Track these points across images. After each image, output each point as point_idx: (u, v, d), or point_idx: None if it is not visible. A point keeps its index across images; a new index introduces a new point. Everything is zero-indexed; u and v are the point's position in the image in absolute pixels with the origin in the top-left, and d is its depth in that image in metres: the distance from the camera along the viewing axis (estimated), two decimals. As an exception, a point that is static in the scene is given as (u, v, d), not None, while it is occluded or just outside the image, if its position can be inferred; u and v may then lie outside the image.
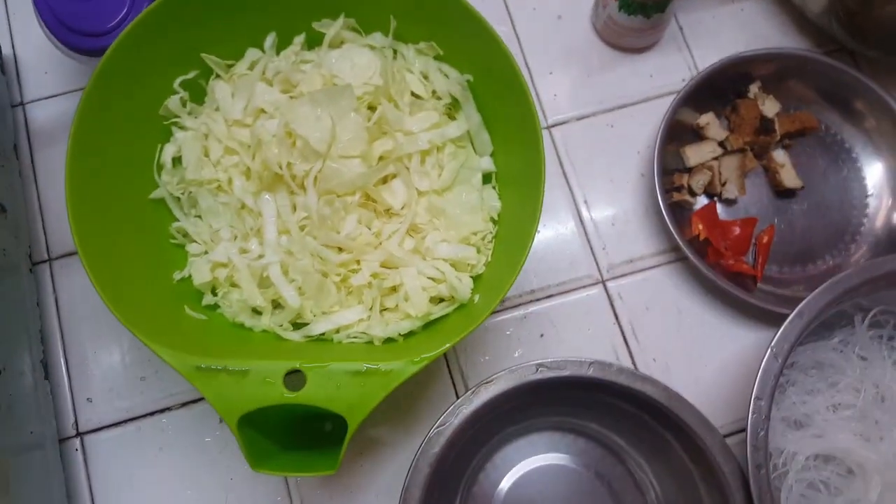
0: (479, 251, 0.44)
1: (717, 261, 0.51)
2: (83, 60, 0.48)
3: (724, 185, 0.53)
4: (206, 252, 0.45)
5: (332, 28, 0.46)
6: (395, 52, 0.46)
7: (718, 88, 0.54)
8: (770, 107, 0.54)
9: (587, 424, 0.47)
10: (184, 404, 0.49)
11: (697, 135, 0.55)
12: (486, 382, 0.42)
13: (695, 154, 0.53)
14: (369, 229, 0.44)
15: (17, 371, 0.45)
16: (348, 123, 0.43)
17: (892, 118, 0.53)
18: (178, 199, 0.46)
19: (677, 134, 0.54)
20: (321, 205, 0.43)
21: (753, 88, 0.55)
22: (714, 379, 0.51)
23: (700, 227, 0.51)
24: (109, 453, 0.48)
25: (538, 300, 0.52)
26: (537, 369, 0.42)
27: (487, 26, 0.41)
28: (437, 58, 0.46)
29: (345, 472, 0.48)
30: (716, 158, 0.53)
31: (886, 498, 0.45)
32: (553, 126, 0.56)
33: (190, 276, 0.44)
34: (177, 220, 0.46)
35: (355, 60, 0.45)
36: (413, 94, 0.46)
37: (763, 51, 0.53)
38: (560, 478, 0.47)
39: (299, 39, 0.47)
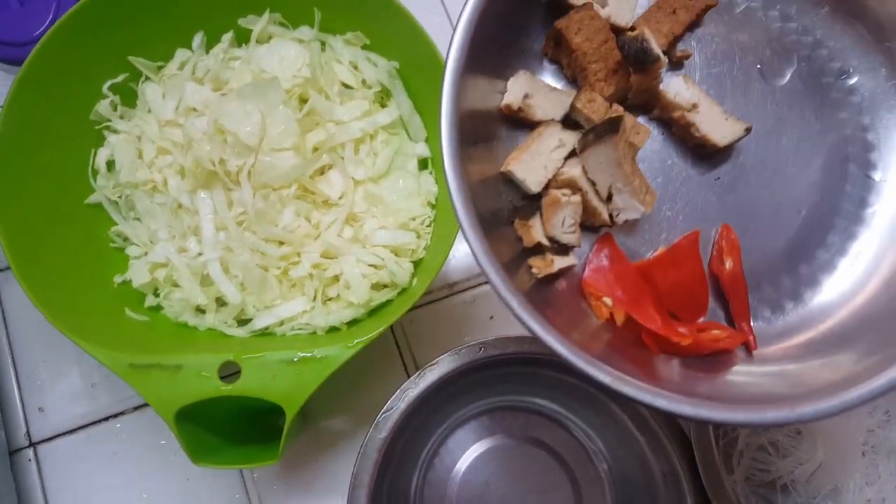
0: (418, 236, 0.45)
1: (661, 350, 0.28)
2: (12, 71, 0.48)
3: (609, 200, 0.28)
4: (145, 253, 0.45)
5: (258, 24, 0.46)
6: (322, 43, 0.47)
7: (514, 13, 0.29)
8: (620, 6, 0.29)
9: (537, 401, 0.47)
10: (136, 408, 0.49)
11: (521, 123, 0.29)
12: (431, 365, 0.42)
13: (530, 167, 0.28)
14: (308, 221, 0.44)
15: (-38, 385, 0.45)
16: (278, 116, 0.43)
17: None
18: (116, 202, 0.46)
19: (484, 135, 0.29)
20: (257, 199, 0.43)
21: None
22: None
23: (607, 305, 0.28)
24: (64, 461, 0.48)
25: (486, 283, 0.52)
26: (481, 349, 0.42)
27: (408, 15, 0.41)
28: (364, 47, 0.46)
29: (301, 465, 0.48)
30: (569, 157, 0.28)
31: (833, 456, 0.45)
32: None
33: (130, 279, 0.44)
34: (116, 223, 0.46)
35: (283, 54, 0.45)
36: (343, 84, 0.46)
37: None
38: (515, 456, 0.47)
39: (227, 37, 0.47)
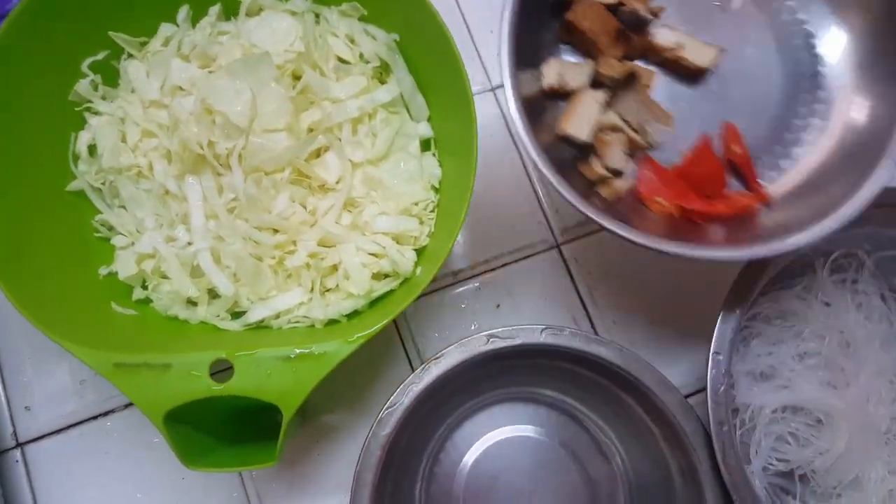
0: (421, 222, 0.42)
1: (707, 220, 0.38)
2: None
3: (642, 133, 0.39)
4: (132, 244, 0.42)
5: (247, -6, 0.43)
6: (317, 15, 0.44)
7: (535, 19, 0.38)
8: None
9: (546, 393, 0.45)
10: (127, 405, 0.47)
11: (558, 97, 0.39)
12: (436, 358, 0.40)
13: (579, 123, 0.37)
14: (304, 207, 0.42)
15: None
16: (270, 94, 0.40)
17: None
18: (100, 189, 0.43)
19: (536, 110, 0.37)
20: (248, 184, 0.40)
21: None
22: (676, 338, 0.49)
23: (660, 201, 0.38)
24: (53, 462, 0.46)
25: (492, 270, 0.50)
26: (488, 340, 0.40)
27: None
28: (361, 19, 0.43)
29: (301, 462, 0.46)
30: (608, 106, 0.39)
31: (854, 445, 0.44)
32: (498, 88, 0.53)
33: (116, 270, 0.42)
34: (100, 212, 0.43)
35: (275, 27, 0.42)
36: (339, 58, 0.43)
37: None
38: (523, 449, 0.46)
39: (215, 10, 0.44)
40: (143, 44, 0.44)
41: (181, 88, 0.42)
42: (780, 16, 0.40)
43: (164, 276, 0.42)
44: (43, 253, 0.39)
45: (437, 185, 0.43)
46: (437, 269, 0.35)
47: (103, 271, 0.42)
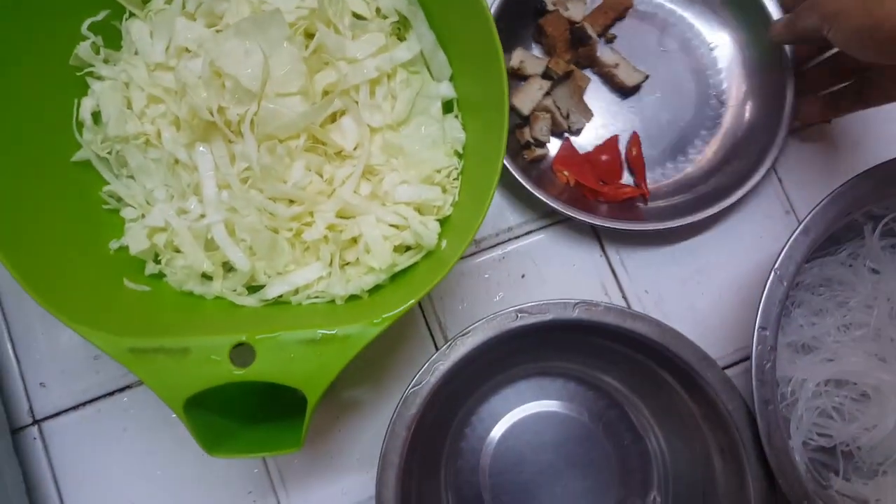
0: (444, 191, 0.40)
1: (596, 198, 0.47)
2: (-23, 9, 0.42)
3: (567, 118, 0.47)
4: (142, 216, 0.41)
5: (254, -55, 0.40)
6: (330, -33, 0.40)
7: (516, 18, 0.47)
8: (575, 9, 0.48)
9: (577, 368, 0.43)
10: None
11: (518, 77, 0.48)
12: (463, 335, 0.38)
13: (524, 100, 0.47)
14: (320, 176, 0.39)
15: (-45, 363, 0.42)
16: (282, 55, 0.37)
17: None
18: (106, 159, 0.41)
19: None
20: (262, 152, 0.38)
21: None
22: (711, 307, 0.47)
23: (566, 174, 0.47)
24: (71, 439, 0.45)
25: (517, 237, 0.47)
26: (517, 316, 0.38)
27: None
28: (378, -30, 0.40)
29: (322, 438, 0.45)
30: (547, 94, 0.47)
31: None
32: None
33: (127, 245, 0.40)
34: (107, 183, 0.41)
35: (285, -19, 0.39)
36: (354, 14, 0.40)
37: None
38: (552, 425, 0.44)
39: (220, -37, 0.41)
40: (146, 2, 0.41)
41: (187, 50, 0.40)
42: (702, 61, 0.50)
43: (177, 250, 0.40)
44: (49, 228, 0.37)
45: (460, 151, 0.40)
46: (467, 244, 0.33)
47: (114, 245, 0.40)
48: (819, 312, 0.44)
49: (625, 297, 0.47)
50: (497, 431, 0.44)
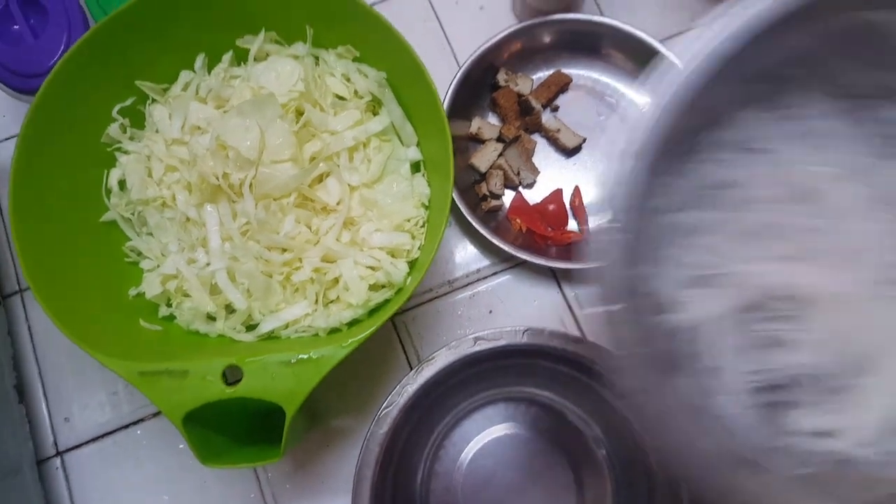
0: (413, 237, 0.47)
1: (545, 243, 0.53)
2: (27, 100, 0.51)
3: (518, 174, 0.55)
4: (157, 266, 0.48)
5: (255, 43, 0.48)
6: (316, 58, 0.49)
7: (476, 91, 0.56)
8: (523, 85, 0.56)
9: (535, 391, 0.49)
10: (155, 415, 0.52)
11: (477, 141, 0.56)
12: (429, 360, 0.44)
13: (482, 159, 0.54)
14: (308, 228, 0.47)
15: (-8, 398, 0.48)
16: (276, 130, 0.45)
17: (632, 46, 0.55)
18: (129, 219, 0.49)
19: (461, 148, 0.56)
20: (259, 209, 0.45)
21: (501, 76, 0.56)
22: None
23: (518, 221, 0.54)
24: (90, 468, 0.51)
25: (484, 278, 0.54)
26: (475, 342, 0.44)
27: (391, 29, 0.43)
28: (355, 59, 0.48)
29: (311, 464, 0.50)
30: (500, 154, 0.55)
31: (853, 319, 0.30)
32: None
33: (144, 291, 0.47)
34: (129, 239, 0.49)
35: (279, 70, 0.48)
36: (336, 95, 0.48)
37: (494, 39, 0.55)
38: (517, 446, 0.49)
39: (227, 57, 0.50)
40: (166, 89, 0.50)
41: (199, 127, 0.48)
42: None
43: (186, 294, 0.47)
44: (79, 277, 0.45)
45: (426, 203, 0.47)
46: (422, 277, 0.40)
47: (132, 292, 0.47)
48: (696, 232, 0.32)
49: (580, 327, 0.52)
50: (468, 454, 0.49)
